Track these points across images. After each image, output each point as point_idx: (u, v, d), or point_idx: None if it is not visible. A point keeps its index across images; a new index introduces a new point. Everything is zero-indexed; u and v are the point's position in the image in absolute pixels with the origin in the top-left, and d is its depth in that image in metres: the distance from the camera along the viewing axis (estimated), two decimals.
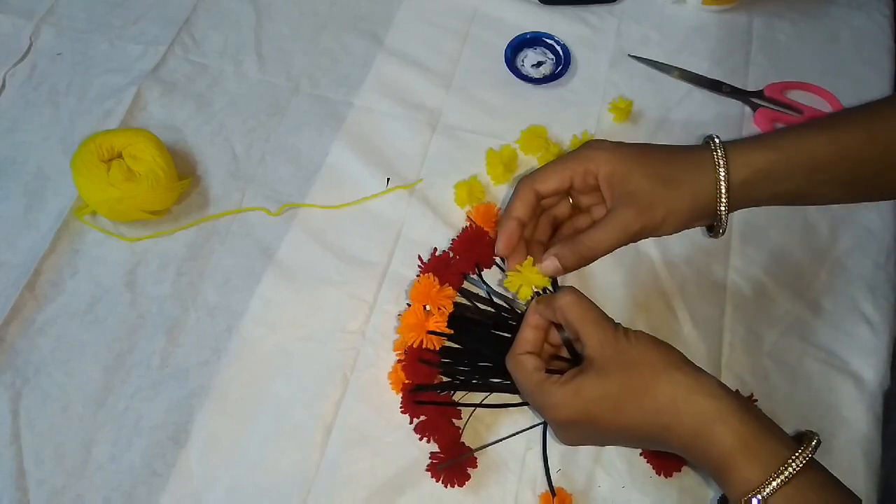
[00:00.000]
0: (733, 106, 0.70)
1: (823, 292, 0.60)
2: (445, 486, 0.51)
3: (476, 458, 0.52)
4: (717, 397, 0.41)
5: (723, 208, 0.47)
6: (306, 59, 0.72)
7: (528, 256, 0.50)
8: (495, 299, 0.57)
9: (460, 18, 0.75)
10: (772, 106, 0.69)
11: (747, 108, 0.70)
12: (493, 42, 0.73)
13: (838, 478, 0.40)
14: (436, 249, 0.61)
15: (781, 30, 0.74)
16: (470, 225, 0.59)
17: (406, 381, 0.54)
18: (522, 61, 0.72)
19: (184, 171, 0.65)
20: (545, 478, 0.52)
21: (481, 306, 0.56)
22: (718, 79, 0.71)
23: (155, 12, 0.75)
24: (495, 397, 0.54)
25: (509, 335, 0.55)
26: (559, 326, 0.48)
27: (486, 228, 0.58)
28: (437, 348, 0.53)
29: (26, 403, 0.55)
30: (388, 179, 0.65)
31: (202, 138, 0.67)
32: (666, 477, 0.52)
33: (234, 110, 0.69)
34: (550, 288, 0.49)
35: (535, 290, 0.49)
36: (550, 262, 0.48)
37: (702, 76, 0.71)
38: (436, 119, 0.69)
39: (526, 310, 0.49)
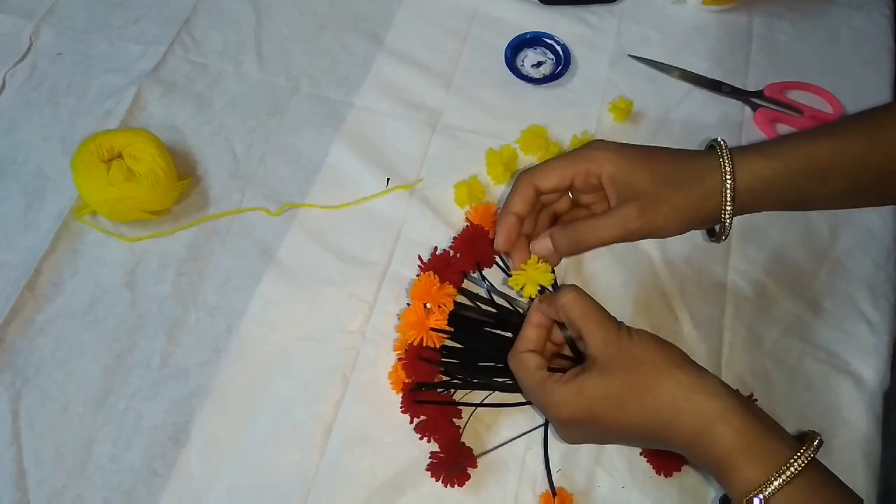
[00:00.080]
0: (733, 106, 0.70)
1: (823, 292, 0.60)
2: (445, 486, 0.51)
3: (476, 458, 0.52)
4: (719, 396, 0.41)
5: (727, 214, 0.47)
6: (306, 59, 0.72)
7: (532, 255, 0.49)
8: (496, 298, 0.57)
9: (460, 18, 0.75)
10: (772, 106, 0.70)
11: (747, 108, 0.70)
12: (493, 42, 0.73)
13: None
14: (436, 249, 0.61)
15: (781, 30, 0.75)
16: (470, 224, 0.59)
17: (406, 381, 0.53)
18: (522, 61, 0.72)
19: (184, 171, 0.64)
20: (545, 477, 0.52)
21: (482, 306, 0.56)
22: (718, 79, 0.71)
23: (155, 12, 0.75)
24: (496, 397, 0.54)
25: (510, 334, 0.55)
26: (562, 325, 0.48)
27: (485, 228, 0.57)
28: (438, 346, 0.53)
29: (26, 403, 0.55)
30: (388, 179, 0.65)
31: (202, 138, 0.67)
32: (666, 476, 0.52)
33: (234, 110, 0.69)
34: (552, 287, 0.49)
35: (539, 288, 0.49)
36: (544, 242, 0.48)
37: (702, 76, 0.71)
38: (436, 119, 0.69)
39: (527, 309, 0.49)
